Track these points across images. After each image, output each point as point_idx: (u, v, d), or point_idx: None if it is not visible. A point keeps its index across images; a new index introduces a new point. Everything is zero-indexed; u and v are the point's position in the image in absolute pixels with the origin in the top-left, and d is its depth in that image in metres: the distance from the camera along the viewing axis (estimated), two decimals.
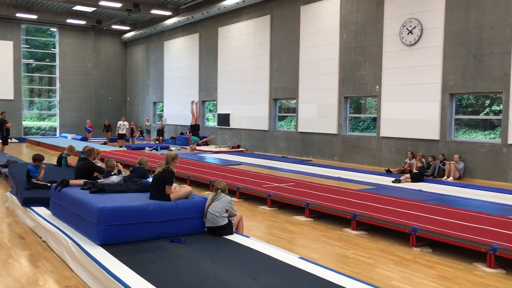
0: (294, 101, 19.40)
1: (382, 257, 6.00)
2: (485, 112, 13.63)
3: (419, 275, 5.30)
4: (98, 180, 7.26)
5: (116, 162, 8.66)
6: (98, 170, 8.16)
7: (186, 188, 6.51)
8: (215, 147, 22.64)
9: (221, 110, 23.43)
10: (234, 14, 22.27)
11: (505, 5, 12.21)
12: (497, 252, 5.44)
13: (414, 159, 13.98)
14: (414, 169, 13.30)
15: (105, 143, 25.19)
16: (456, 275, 5.31)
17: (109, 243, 5.51)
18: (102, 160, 10.92)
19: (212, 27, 23.94)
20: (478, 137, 13.74)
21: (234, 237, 6.01)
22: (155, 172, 6.39)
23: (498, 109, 12.95)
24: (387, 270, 5.48)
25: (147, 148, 21.78)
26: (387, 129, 15.36)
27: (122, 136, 23.81)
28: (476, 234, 6.10)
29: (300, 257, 5.29)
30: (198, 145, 15.45)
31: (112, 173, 7.69)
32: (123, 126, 23.89)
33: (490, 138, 13.31)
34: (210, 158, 17.94)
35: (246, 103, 21.72)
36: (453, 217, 7.17)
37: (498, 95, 12.83)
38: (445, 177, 13.02)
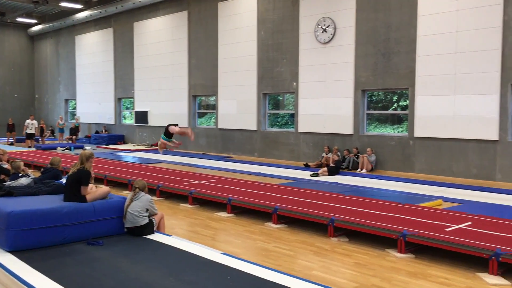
0: (214, 97, 19.37)
1: (302, 248, 6.17)
2: (394, 107, 14.47)
3: (337, 264, 5.52)
4: (5, 183, 6.77)
5: (24, 165, 8.12)
6: (4, 172, 7.60)
7: (103, 188, 6.26)
8: (133, 146, 22.01)
9: (139, 107, 22.81)
10: (150, 9, 21.75)
11: (409, 7, 13.03)
12: (407, 238, 5.80)
13: (330, 153, 14.53)
14: (330, 163, 13.83)
15: (12, 144, 23.55)
16: (371, 261, 5.59)
17: (20, 249, 5.17)
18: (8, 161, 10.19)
19: (127, 22, 23.20)
20: (388, 131, 14.57)
21: (156, 237, 5.89)
22: (69, 173, 6.08)
23: (405, 104, 13.81)
24: (307, 261, 5.65)
25: (59, 148, 20.66)
26: (304, 125, 15.82)
27: (30, 136, 22.36)
28: (387, 222, 6.46)
29: (223, 253, 5.30)
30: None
31: (20, 175, 7.21)
32: (31, 125, 22.43)
33: (398, 132, 14.16)
34: (128, 157, 17.42)
35: (164, 100, 21.33)
36: (367, 207, 7.55)
37: (404, 91, 13.67)
38: (359, 169, 13.67)
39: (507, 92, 11.36)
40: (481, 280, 4.94)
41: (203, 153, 18.84)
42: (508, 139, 11.45)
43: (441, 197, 9.18)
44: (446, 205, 8.67)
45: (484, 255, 5.13)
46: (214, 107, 19.51)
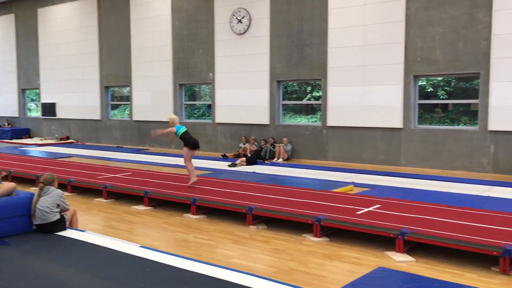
0: (128, 88, 18.75)
1: (222, 237, 6.20)
2: (308, 98, 14.94)
3: (256, 251, 5.62)
4: None
5: None
6: None
7: (8, 185, 5.84)
8: (40, 140, 20.74)
9: (46, 99, 21.49)
10: None
11: (321, 0, 13.47)
12: (322, 222, 6.04)
13: (248, 143, 14.69)
14: (248, 153, 13.99)
15: None
16: (288, 247, 5.76)
17: None
18: None
19: (30, 8, 21.70)
20: (303, 121, 15.02)
21: (68, 233, 5.61)
22: None
23: (318, 95, 14.30)
24: (227, 250, 5.69)
25: None
26: (221, 116, 15.83)
27: None
28: (304, 208, 6.69)
29: (141, 246, 5.18)
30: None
31: None
32: None
33: (312, 122, 14.65)
34: (35, 151, 16.39)
35: (74, 91, 20.28)
36: (284, 194, 7.75)
37: (317, 82, 14.15)
38: (276, 158, 13.98)
39: (410, 82, 12.16)
40: (389, 258, 5.28)
41: (117, 146, 18.21)
42: (411, 126, 12.28)
43: (353, 183, 9.66)
44: (357, 190, 9.13)
45: (391, 235, 5.48)
46: (128, 98, 18.90)
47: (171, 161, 13.62)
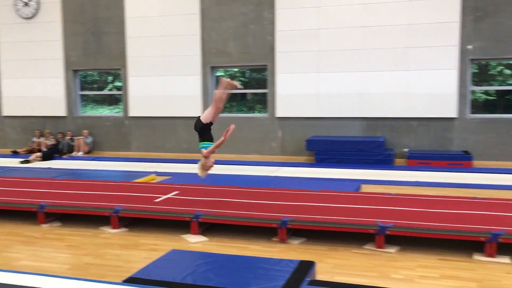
0: None
1: (8, 240, 5.70)
2: (109, 88, 14.48)
3: (48, 250, 5.33)
4: None
5: None
6: None
7: None
8: None
9: None
10: None
11: None
12: (120, 213, 6.01)
13: (42, 137, 13.60)
14: (45, 148, 12.97)
15: None
16: (84, 241, 5.59)
17: None
18: None
19: None
20: (105, 111, 14.52)
21: None
22: None
23: (120, 84, 13.99)
24: (14, 252, 5.27)
25: None
26: (9, 108, 14.32)
27: None
28: (101, 201, 6.55)
29: None
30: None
31: None
32: None
33: (115, 112, 14.28)
34: None
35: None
36: (81, 189, 7.45)
37: (118, 72, 13.82)
38: (75, 152, 13.25)
39: (208, 73, 12.76)
40: (185, 241, 5.55)
41: None
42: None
43: (155, 172, 9.78)
44: (159, 178, 9.30)
45: (187, 218, 5.76)
46: None
47: None
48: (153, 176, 9.41)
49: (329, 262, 4.77)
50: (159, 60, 12.92)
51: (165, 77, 12.96)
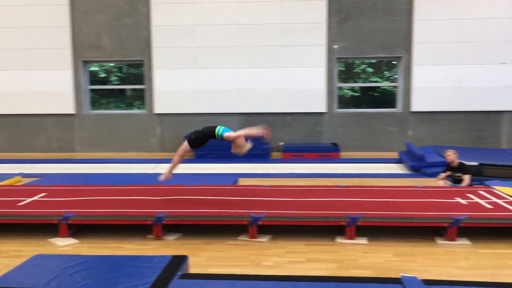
0: None
1: None
2: None
3: None
4: None
5: None
6: None
7: None
8: None
9: None
10: None
11: None
12: None
13: None
14: None
15: None
16: None
17: None
18: None
19: None
20: None
21: None
22: None
23: None
24: None
25: None
26: None
27: None
28: None
29: None
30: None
31: None
32: None
33: None
34: None
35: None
36: None
37: None
38: None
39: (79, 68, 12.10)
40: (53, 245, 5.24)
41: None
42: (84, 112, 12.29)
43: (21, 174, 9.06)
44: (26, 180, 8.63)
45: (55, 221, 5.43)
46: None
47: None
48: (18, 178, 8.70)
49: (204, 255, 4.84)
50: (23, 53, 11.95)
51: (31, 72, 12.03)
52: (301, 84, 11.74)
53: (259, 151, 11.12)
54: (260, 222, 5.29)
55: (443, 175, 7.49)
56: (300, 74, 11.72)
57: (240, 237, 5.35)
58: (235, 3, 11.58)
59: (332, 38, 11.62)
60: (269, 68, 11.73)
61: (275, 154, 11.68)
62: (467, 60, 11.27)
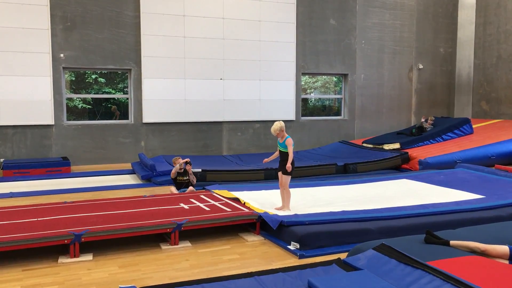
0: None
1: None
2: None
3: None
4: None
5: None
6: None
7: None
8: None
9: None
10: None
11: None
12: None
13: None
14: None
15: None
16: None
17: None
18: None
19: None
20: None
21: None
22: None
23: None
24: None
25: None
26: None
27: None
28: None
29: None
30: None
31: None
32: None
33: None
34: None
35: None
36: None
37: None
38: None
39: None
40: None
41: None
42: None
43: None
44: None
45: None
46: None
47: None
48: None
49: None
50: None
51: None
52: (25, 95, 10.73)
53: None
54: None
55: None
56: (24, 83, 10.70)
57: None
58: None
59: (57, 46, 10.98)
60: None
61: None
62: (192, 75, 12.21)
